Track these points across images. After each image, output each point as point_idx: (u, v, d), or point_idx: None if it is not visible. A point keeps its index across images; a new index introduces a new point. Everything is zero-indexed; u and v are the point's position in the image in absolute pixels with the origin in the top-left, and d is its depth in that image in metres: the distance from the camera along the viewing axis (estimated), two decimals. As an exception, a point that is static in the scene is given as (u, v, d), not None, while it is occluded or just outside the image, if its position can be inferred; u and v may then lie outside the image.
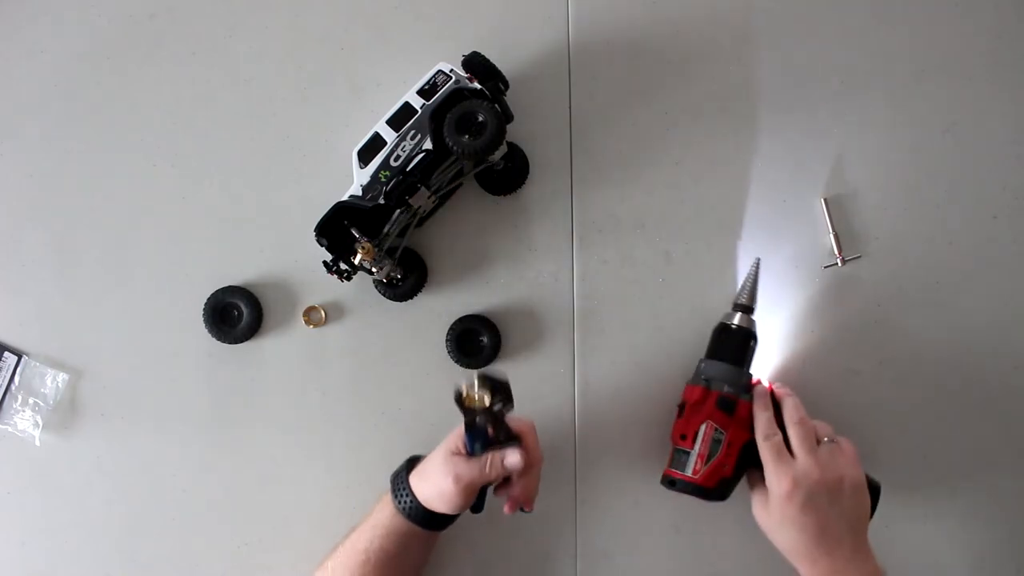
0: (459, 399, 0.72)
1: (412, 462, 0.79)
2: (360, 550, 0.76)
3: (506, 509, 0.77)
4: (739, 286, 0.84)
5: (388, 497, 0.77)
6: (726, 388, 0.79)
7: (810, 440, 0.75)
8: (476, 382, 0.72)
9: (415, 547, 0.77)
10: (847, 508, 0.73)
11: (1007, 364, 0.86)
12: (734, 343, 0.81)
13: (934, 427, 0.86)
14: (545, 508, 0.85)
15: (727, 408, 0.79)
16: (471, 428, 0.73)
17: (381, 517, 0.76)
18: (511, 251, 0.88)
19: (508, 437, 0.74)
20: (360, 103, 0.88)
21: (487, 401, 0.72)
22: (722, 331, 0.82)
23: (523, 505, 0.77)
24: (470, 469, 0.73)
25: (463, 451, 0.74)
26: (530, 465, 0.74)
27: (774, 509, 0.74)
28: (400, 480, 0.77)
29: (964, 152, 0.87)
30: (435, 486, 0.74)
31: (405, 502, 0.75)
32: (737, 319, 0.82)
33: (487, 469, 0.73)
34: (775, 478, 0.74)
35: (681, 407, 0.81)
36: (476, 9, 0.89)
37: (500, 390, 0.72)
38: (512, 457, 0.73)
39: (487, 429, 0.73)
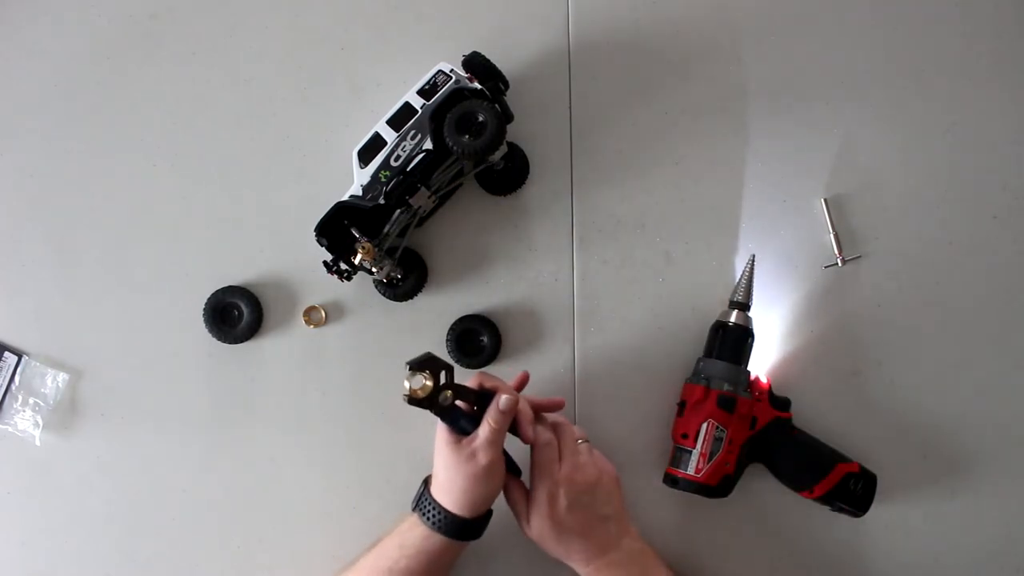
0: (412, 400, 0.72)
1: (428, 481, 0.78)
2: (383, 569, 0.75)
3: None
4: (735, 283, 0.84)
5: (414, 518, 0.76)
6: (726, 386, 0.79)
7: (572, 443, 0.77)
8: (408, 376, 0.72)
9: (443, 564, 0.77)
10: (606, 501, 0.76)
11: (1007, 364, 0.86)
12: (732, 341, 0.82)
13: (934, 427, 0.86)
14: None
15: (727, 406, 0.79)
16: (445, 414, 0.74)
17: (410, 538, 0.75)
18: (511, 251, 0.88)
19: (480, 397, 0.75)
20: (360, 103, 0.88)
21: (430, 383, 0.72)
22: (719, 329, 0.83)
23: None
24: (481, 440, 0.73)
25: (457, 437, 0.75)
26: (515, 400, 0.75)
27: (542, 517, 0.75)
28: (424, 499, 0.76)
29: (964, 152, 0.87)
30: (461, 478, 0.73)
31: (436, 517, 0.74)
32: (734, 317, 0.82)
33: (493, 423, 0.73)
34: (542, 485, 0.75)
35: (681, 406, 0.81)
36: (476, 9, 0.89)
37: (430, 365, 0.72)
38: (502, 399, 0.74)
39: (455, 404, 0.74)
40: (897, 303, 0.86)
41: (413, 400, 0.72)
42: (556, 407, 0.81)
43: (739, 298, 0.83)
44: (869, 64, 0.88)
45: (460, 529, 0.74)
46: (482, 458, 0.73)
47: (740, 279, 0.84)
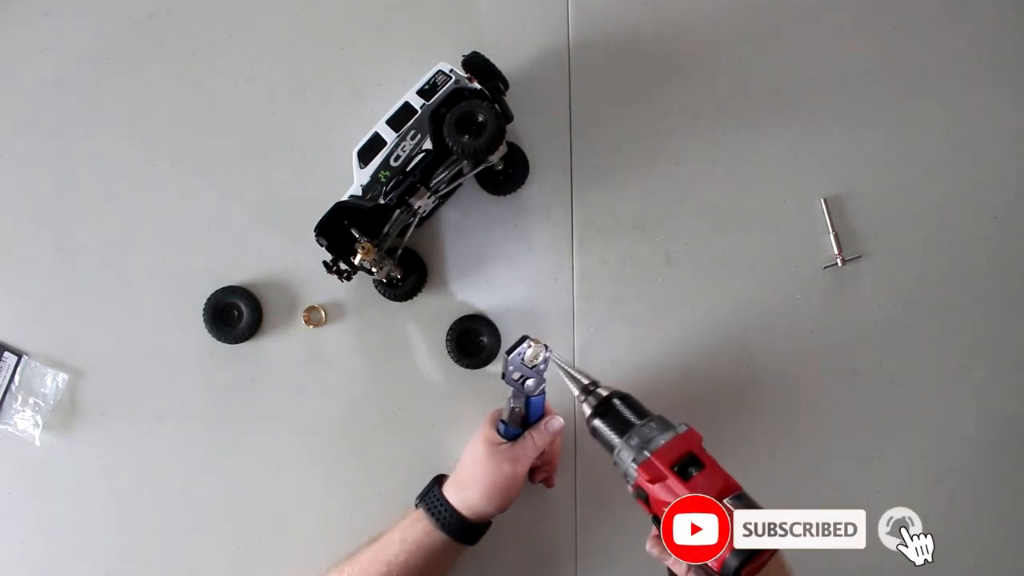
0: (515, 359, 0.73)
1: (439, 480, 0.79)
2: (383, 562, 0.75)
3: (534, 479, 0.81)
4: (568, 376, 0.74)
5: (419, 514, 0.77)
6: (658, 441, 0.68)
7: None
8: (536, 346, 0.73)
9: (441, 563, 0.77)
10: None
11: (1007, 364, 0.86)
12: (618, 413, 0.71)
13: (934, 427, 0.86)
14: (545, 508, 0.85)
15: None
16: (520, 391, 0.74)
17: (412, 532, 0.76)
18: (511, 251, 0.88)
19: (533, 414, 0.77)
20: (360, 103, 0.88)
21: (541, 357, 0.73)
22: (605, 413, 0.71)
23: (546, 480, 0.81)
24: (524, 448, 0.75)
25: (498, 439, 0.76)
26: (563, 426, 0.78)
27: None
28: (434, 496, 0.77)
29: (964, 152, 0.87)
30: (486, 483, 0.74)
31: (444, 516, 0.75)
32: (593, 399, 0.72)
33: (538, 441, 0.75)
34: None
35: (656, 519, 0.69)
36: (476, 9, 0.89)
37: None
38: (556, 421, 0.76)
39: (523, 408, 0.75)
40: (897, 303, 0.86)
41: (517, 358, 0.73)
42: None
43: (585, 382, 0.73)
44: (869, 64, 0.88)
45: (462, 530, 0.75)
46: (520, 467, 0.74)
47: (565, 371, 0.74)
